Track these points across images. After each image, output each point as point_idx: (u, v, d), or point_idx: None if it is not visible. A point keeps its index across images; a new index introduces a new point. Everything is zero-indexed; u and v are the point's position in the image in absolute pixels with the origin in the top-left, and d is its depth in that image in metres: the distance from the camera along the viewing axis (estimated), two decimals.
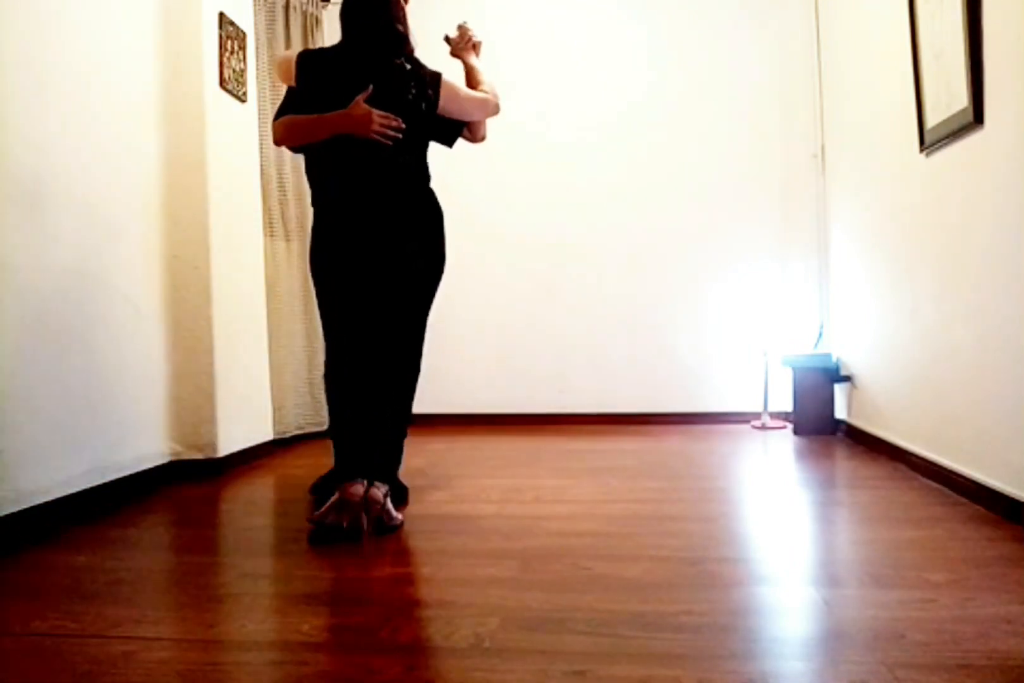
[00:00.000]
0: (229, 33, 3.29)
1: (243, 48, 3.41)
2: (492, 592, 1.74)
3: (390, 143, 2.24)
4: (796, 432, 3.99)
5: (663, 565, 1.91)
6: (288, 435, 3.87)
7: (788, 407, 4.16)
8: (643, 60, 4.52)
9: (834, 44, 4.07)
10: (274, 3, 3.93)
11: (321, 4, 4.21)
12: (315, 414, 4.06)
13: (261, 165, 3.70)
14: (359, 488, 2.19)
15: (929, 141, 2.79)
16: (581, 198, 4.55)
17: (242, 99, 3.41)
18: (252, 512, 2.49)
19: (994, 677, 1.30)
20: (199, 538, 2.36)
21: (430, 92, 2.33)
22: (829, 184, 4.22)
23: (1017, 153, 2.22)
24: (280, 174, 3.91)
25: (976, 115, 2.40)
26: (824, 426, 3.96)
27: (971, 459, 2.53)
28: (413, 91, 2.30)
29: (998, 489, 2.31)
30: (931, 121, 2.76)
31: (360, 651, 1.46)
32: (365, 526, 2.19)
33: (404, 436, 2.49)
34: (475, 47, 2.58)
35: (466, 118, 2.52)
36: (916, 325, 3.01)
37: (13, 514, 2.22)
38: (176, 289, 3.11)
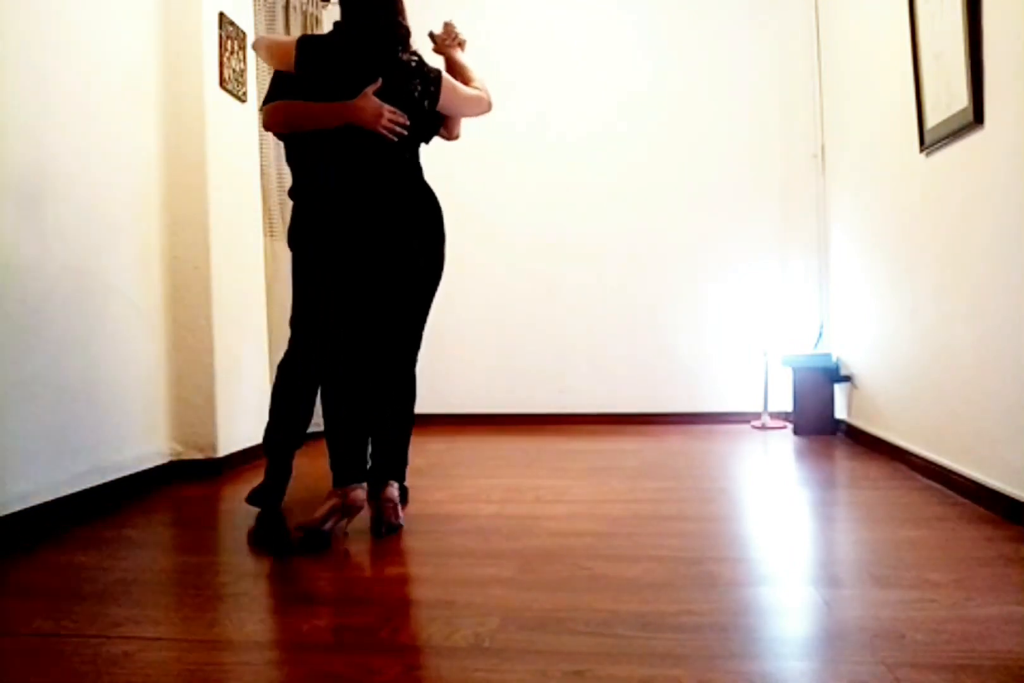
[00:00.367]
0: (229, 33, 3.29)
1: (243, 48, 3.41)
2: (492, 592, 1.74)
3: (395, 139, 2.24)
4: (796, 432, 3.99)
5: (663, 565, 1.91)
6: None
7: (788, 407, 4.16)
8: (643, 60, 4.52)
9: (834, 44, 4.07)
10: (274, 3, 3.93)
11: (321, 4, 4.21)
12: (316, 414, 4.06)
13: (261, 165, 3.70)
14: (361, 493, 2.18)
15: (929, 141, 2.79)
16: (581, 198, 4.55)
17: (242, 99, 3.41)
18: (252, 512, 2.49)
19: (994, 677, 1.29)
20: (199, 538, 2.36)
21: (432, 89, 2.33)
22: (829, 184, 4.22)
23: (1017, 153, 2.22)
24: (280, 174, 3.91)
25: (976, 115, 2.40)
26: (824, 426, 3.96)
27: (971, 459, 2.52)
28: (419, 88, 2.30)
29: (998, 489, 2.31)
30: (931, 121, 2.76)
31: (360, 651, 1.46)
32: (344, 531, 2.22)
33: (410, 435, 2.47)
34: (460, 45, 2.57)
35: (461, 116, 2.51)
36: (916, 325, 3.01)
37: (13, 514, 2.22)
38: (176, 289, 3.11)
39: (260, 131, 3.64)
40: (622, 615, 1.59)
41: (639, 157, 4.51)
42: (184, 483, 2.99)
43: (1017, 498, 2.21)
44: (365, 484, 2.22)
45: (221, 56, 3.23)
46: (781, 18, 4.38)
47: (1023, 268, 2.21)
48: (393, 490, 2.27)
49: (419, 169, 2.38)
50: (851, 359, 3.88)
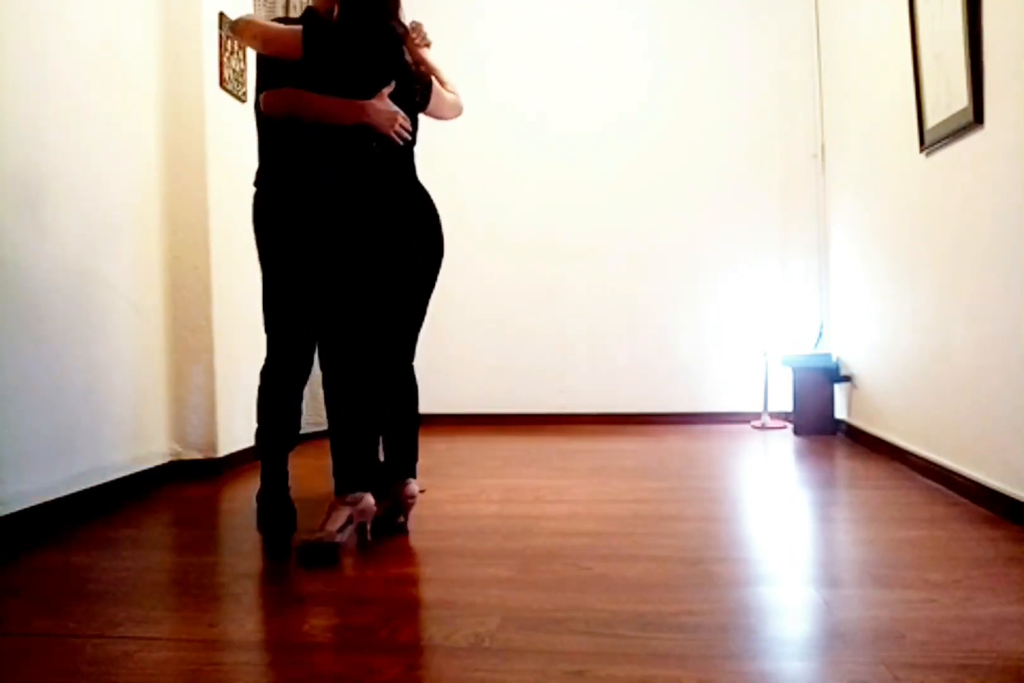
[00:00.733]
0: (229, 33, 3.29)
1: (243, 48, 3.41)
2: (492, 592, 1.74)
3: (401, 143, 2.25)
4: (796, 432, 3.99)
5: (663, 565, 1.91)
6: None
7: (788, 407, 4.16)
8: (643, 60, 4.52)
9: (834, 44, 4.07)
10: (274, 3, 3.93)
11: None
12: (315, 414, 4.06)
13: None
14: (370, 499, 2.12)
15: (929, 141, 2.79)
16: (581, 198, 4.55)
17: (242, 99, 3.41)
18: (252, 512, 2.48)
19: (994, 677, 1.29)
20: (199, 538, 2.36)
21: (425, 93, 2.35)
22: (829, 184, 4.23)
23: (1017, 153, 2.22)
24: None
25: (976, 115, 2.40)
26: (824, 426, 3.96)
27: (971, 459, 2.52)
28: (419, 92, 2.32)
29: (998, 489, 2.31)
30: (931, 121, 2.76)
31: (360, 651, 1.46)
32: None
33: (416, 433, 2.45)
34: (427, 46, 2.57)
35: (440, 120, 2.53)
36: (916, 325, 3.01)
37: (13, 514, 2.22)
38: (176, 289, 3.11)
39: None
40: (622, 615, 1.59)
41: (639, 157, 4.51)
42: (184, 483, 2.99)
43: (1017, 498, 2.21)
44: (369, 492, 2.14)
45: (221, 56, 3.23)
46: (781, 18, 4.39)
47: (1023, 268, 2.21)
48: (415, 487, 2.27)
49: (415, 170, 2.39)
50: (851, 359, 3.88)
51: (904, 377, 3.16)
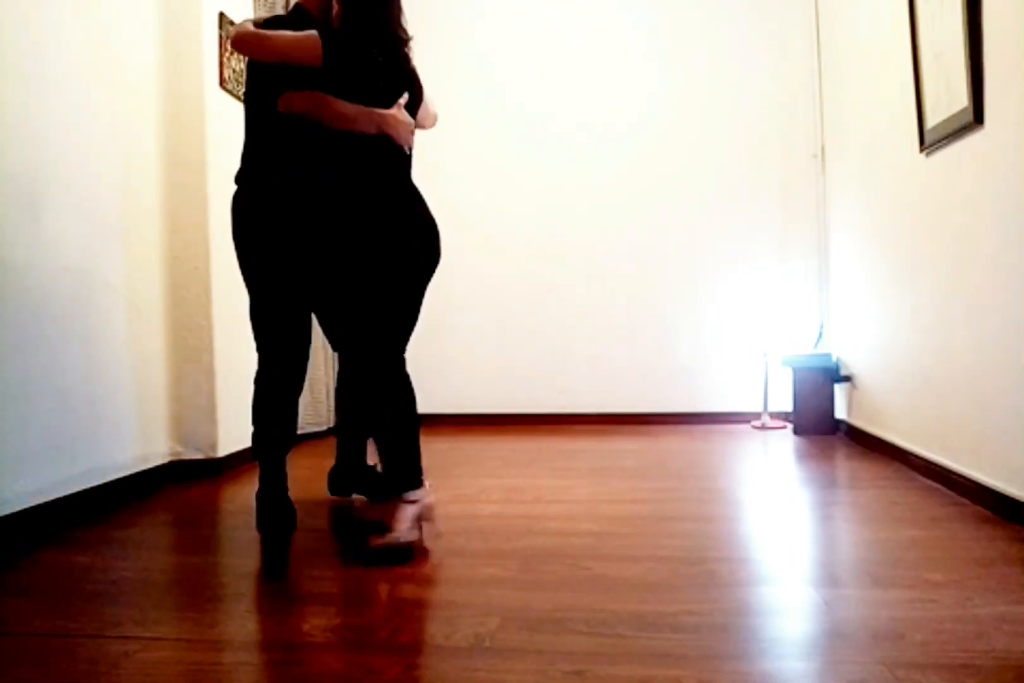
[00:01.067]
0: (229, 33, 3.29)
1: None
2: (492, 592, 1.74)
3: (408, 153, 2.29)
4: (796, 432, 3.99)
5: (663, 565, 1.91)
6: None
7: (788, 407, 4.16)
8: (643, 61, 4.52)
9: (834, 44, 4.07)
10: (274, 3, 3.93)
11: None
12: (315, 414, 4.06)
13: None
14: (429, 493, 2.17)
15: (929, 141, 2.79)
16: (581, 198, 4.55)
17: (242, 99, 3.41)
18: (252, 512, 2.48)
19: (994, 677, 1.30)
20: (199, 538, 2.36)
21: (418, 103, 2.37)
22: (829, 184, 4.23)
23: (1017, 153, 2.22)
24: None
25: (976, 115, 2.40)
26: (824, 426, 3.96)
27: (971, 459, 2.52)
28: (420, 102, 2.34)
29: (998, 489, 2.31)
30: (931, 121, 2.76)
31: (360, 651, 1.46)
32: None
33: (416, 436, 2.44)
34: None
35: (419, 129, 2.55)
36: (916, 325, 3.01)
37: (13, 514, 2.22)
38: (176, 289, 3.11)
39: None
40: (622, 615, 1.59)
41: (639, 157, 4.51)
42: (184, 483, 2.99)
43: (1017, 498, 2.21)
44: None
45: (221, 56, 3.24)
46: (781, 18, 4.38)
47: (1023, 268, 2.21)
48: (407, 510, 2.12)
49: (410, 173, 2.41)
50: (851, 359, 3.88)
51: (904, 377, 3.16)
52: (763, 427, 4.20)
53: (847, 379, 3.88)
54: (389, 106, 2.21)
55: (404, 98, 2.22)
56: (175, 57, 3.10)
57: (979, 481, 2.43)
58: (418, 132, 2.34)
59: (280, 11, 3.94)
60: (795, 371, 4.02)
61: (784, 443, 3.79)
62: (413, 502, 2.10)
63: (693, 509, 2.50)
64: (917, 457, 2.95)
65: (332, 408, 4.23)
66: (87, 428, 2.59)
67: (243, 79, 3.39)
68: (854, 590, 1.74)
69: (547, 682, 1.31)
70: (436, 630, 1.55)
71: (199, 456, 3.12)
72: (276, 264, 2.24)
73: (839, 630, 1.51)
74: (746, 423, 4.33)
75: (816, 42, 4.29)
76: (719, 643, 1.45)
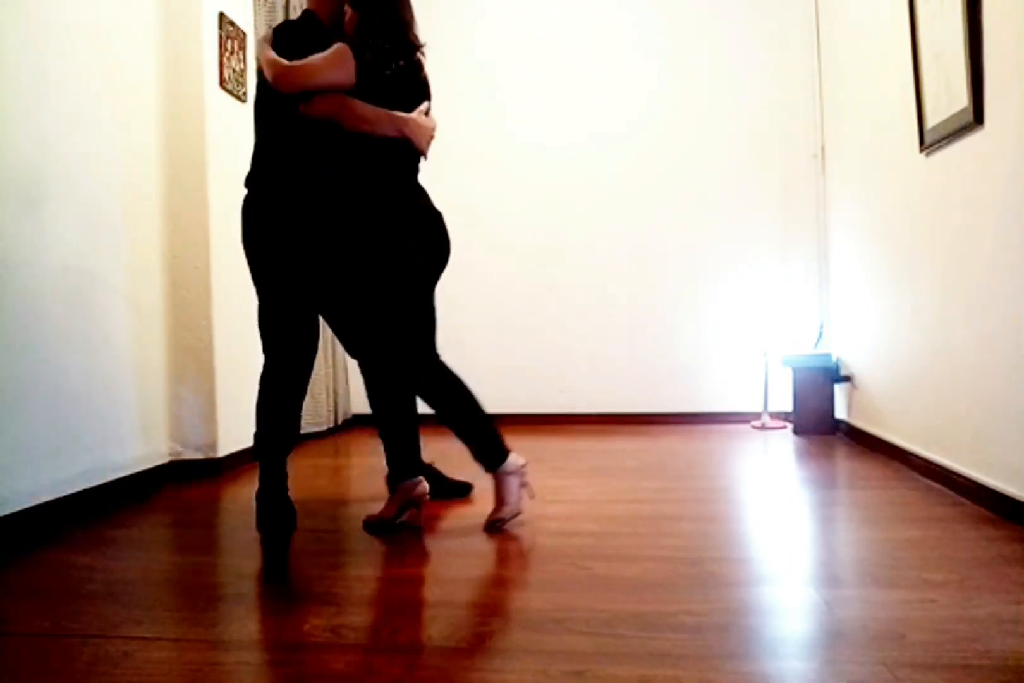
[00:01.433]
0: (229, 33, 3.30)
1: (243, 48, 3.41)
2: (492, 592, 1.75)
3: (426, 158, 2.34)
4: (796, 432, 3.99)
5: (663, 565, 1.91)
6: None
7: (788, 407, 4.16)
8: (643, 61, 4.52)
9: (834, 44, 4.07)
10: (274, 3, 3.92)
11: None
12: (315, 414, 4.06)
13: None
14: (422, 487, 2.35)
15: (929, 141, 2.79)
16: (582, 199, 4.55)
17: (242, 99, 3.41)
18: (252, 512, 2.48)
19: (994, 677, 1.29)
20: (199, 538, 2.36)
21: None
22: (829, 184, 4.23)
23: (1017, 153, 2.22)
24: None
25: (976, 115, 2.40)
26: (824, 426, 3.96)
27: (971, 459, 2.52)
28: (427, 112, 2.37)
29: (998, 489, 2.31)
30: (931, 121, 2.76)
31: (360, 651, 1.46)
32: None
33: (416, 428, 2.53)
34: None
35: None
36: (916, 325, 3.01)
37: (13, 514, 2.22)
38: (176, 289, 3.12)
39: None
40: (622, 615, 1.59)
41: (639, 157, 4.51)
42: (184, 483, 2.99)
43: (1017, 498, 2.21)
44: (421, 477, 2.37)
45: (221, 56, 3.24)
46: (781, 19, 4.39)
47: (1023, 268, 2.21)
48: (424, 485, 2.37)
49: (417, 175, 2.41)
50: (851, 359, 3.88)
51: (904, 377, 3.16)
52: (763, 427, 4.20)
53: (847, 379, 3.88)
54: (406, 111, 2.23)
55: (425, 105, 2.28)
56: (175, 57, 3.10)
57: (979, 481, 2.43)
58: None
59: (280, 11, 3.95)
60: (795, 371, 4.02)
61: (784, 443, 3.79)
62: (511, 473, 2.28)
63: (693, 509, 2.50)
64: (917, 457, 2.95)
65: (332, 408, 4.24)
66: (87, 428, 2.59)
67: (243, 79, 3.42)
68: (854, 590, 1.74)
69: (547, 682, 1.31)
70: (436, 630, 1.55)
71: (199, 456, 3.12)
72: (286, 267, 2.23)
73: (839, 630, 1.51)
74: (746, 423, 4.33)
75: (816, 42, 4.29)
76: (719, 643, 1.45)
